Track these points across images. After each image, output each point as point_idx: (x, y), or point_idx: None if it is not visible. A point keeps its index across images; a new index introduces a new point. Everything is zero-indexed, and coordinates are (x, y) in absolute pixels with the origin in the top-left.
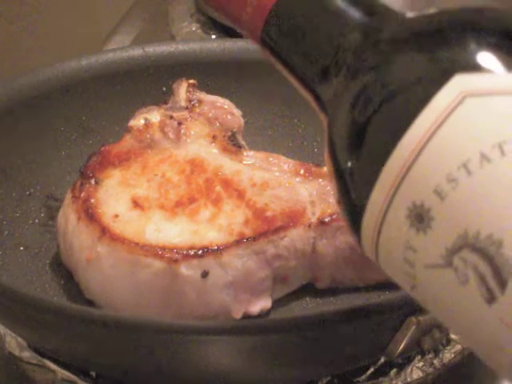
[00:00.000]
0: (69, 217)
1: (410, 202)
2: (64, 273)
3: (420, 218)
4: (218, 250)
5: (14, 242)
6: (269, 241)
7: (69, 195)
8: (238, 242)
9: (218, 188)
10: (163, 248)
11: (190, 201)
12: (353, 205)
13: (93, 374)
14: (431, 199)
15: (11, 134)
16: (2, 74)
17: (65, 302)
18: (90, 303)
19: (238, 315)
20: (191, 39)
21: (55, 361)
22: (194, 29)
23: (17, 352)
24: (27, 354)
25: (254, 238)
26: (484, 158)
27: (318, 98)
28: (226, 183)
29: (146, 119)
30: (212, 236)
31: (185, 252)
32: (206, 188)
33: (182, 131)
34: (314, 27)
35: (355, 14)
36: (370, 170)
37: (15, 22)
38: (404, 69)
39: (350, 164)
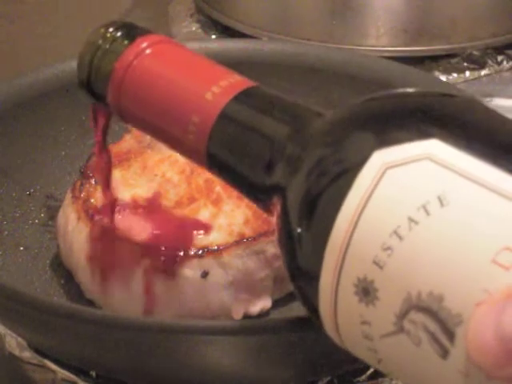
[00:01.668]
0: (69, 217)
1: (354, 277)
2: (64, 273)
3: (366, 291)
4: (217, 249)
5: (14, 242)
6: (269, 241)
7: (69, 195)
8: (238, 242)
9: (218, 188)
10: (163, 248)
11: (189, 201)
12: (309, 296)
13: (93, 373)
14: (372, 270)
15: (11, 134)
16: (2, 74)
17: (65, 302)
18: (90, 303)
19: (238, 315)
20: (191, 39)
21: (55, 361)
22: (193, 29)
23: (17, 352)
24: (27, 354)
25: (254, 238)
26: (412, 221)
27: (266, 195)
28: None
29: None
30: (212, 236)
31: (185, 252)
32: (206, 188)
33: None
34: (251, 137)
35: (283, 121)
36: (315, 254)
37: (15, 22)
38: (332, 156)
39: (300, 249)
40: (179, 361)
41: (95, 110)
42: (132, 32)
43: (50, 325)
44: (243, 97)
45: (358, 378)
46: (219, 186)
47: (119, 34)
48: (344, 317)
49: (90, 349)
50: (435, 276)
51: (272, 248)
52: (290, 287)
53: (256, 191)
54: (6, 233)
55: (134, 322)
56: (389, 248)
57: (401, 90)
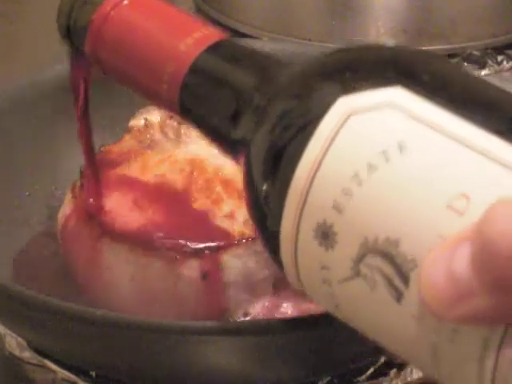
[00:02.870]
0: (69, 216)
1: (314, 222)
2: (64, 273)
3: (325, 235)
4: (218, 249)
5: (15, 242)
6: None
7: (69, 195)
8: (238, 242)
9: (218, 188)
10: (163, 248)
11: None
12: (271, 240)
13: (93, 373)
14: (331, 215)
15: (11, 133)
16: (2, 74)
17: (65, 302)
18: (90, 303)
19: (237, 315)
20: None
21: (55, 361)
22: None
23: (17, 352)
24: (27, 354)
25: (254, 238)
26: (371, 166)
27: (234, 146)
28: (226, 183)
29: (145, 119)
30: None
31: (185, 252)
32: (206, 188)
33: (182, 131)
34: (220, 88)
35: (251, 72)
36: (277, 201)
37: (15, 22)
38: (297, 103)
39: (263, 199)
40: (179, 361)
41: (75, 66)
42: None
43: (50, 325)
44: (215, 48)
45: (358, 378)
46: (219, 185)
47: None
48: (304, 262)
49: (90, 349)
50: (392, 221)
51: None
52: (290, 287)
53: (225, 143)
54: (7, 233)
55: (133, 322)
56: (348, 193)
57: (373, 43)
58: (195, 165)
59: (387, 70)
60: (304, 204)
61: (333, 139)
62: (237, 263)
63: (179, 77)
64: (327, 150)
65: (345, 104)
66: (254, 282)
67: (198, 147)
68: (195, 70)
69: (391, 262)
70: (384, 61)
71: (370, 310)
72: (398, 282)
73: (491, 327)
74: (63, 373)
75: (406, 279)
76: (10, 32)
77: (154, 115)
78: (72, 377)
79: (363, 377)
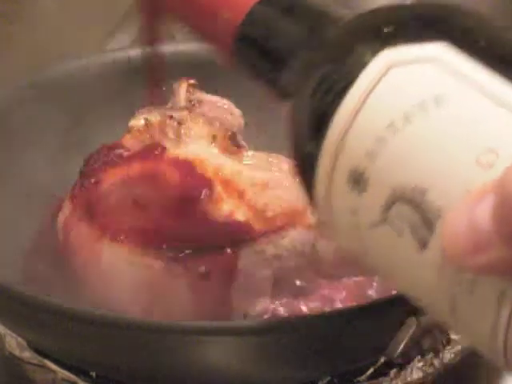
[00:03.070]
0: (69, 216)
1: (348, 166)
2: (64, 273)
3: (357, 180)
4: (218, 249)
5: (14, 242)
6: (269, 241)
7: (69, 195)
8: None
9: (219, 188)
10: (163, 248)
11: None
12: (309, 185)
13: (93, 374)
14: (364, 161)
15: (11, 134)
16: (2, 74)
17: (65, 302)
18: (90, 303)
19: (238, 315)
20: (191, 39)
21: (55, 361)
22: None
23: (17, 352)
24: (27, 354)
25: (254, 238)
26: (407, 116)
27: (282, 94)
28: (226, 183)
29: (146, 119)
30: None
31: (185, 252)
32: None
33: (182, 131)
34: (271, 39)
35: (301, 26)
36: (315, 144)
37: (15, 22)
38: (345, 56)
39: (303, 143)
40: (179, 361)
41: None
42: None
43: (50, 325)
44: None
45: (358, 378)
46: (219, 185)
47: None
48: (336, 207)
49: (89, 349)
50: (422, 171)
51: (272, 248)
52: (290, 287)
53: (274, 91)
54: (7, 233)
55: (133, 322)
56: (382, 141)
57: (416, 2)
58: (195, 165)
59: (432, 24)
60: (340, 149)
61: (372, 89)
62: (237, 263)
63: (235, 24)
64: (366, 98)
65: (386, 56)
66: (254, 282)
67: (197, 147)
68: (250, 19)
69: (418, 211)
70: (429, 15)
71: (396, 257)
72: (423, 230)
73: (508, 279)
74: (63, 373)
75: (431, 228)
76: (10, 32)
77: (154, 115)
78: (72, 377)
79: (363, 377)
